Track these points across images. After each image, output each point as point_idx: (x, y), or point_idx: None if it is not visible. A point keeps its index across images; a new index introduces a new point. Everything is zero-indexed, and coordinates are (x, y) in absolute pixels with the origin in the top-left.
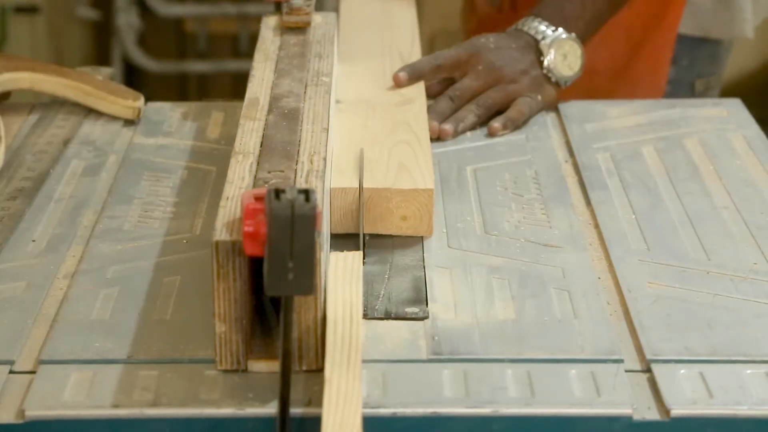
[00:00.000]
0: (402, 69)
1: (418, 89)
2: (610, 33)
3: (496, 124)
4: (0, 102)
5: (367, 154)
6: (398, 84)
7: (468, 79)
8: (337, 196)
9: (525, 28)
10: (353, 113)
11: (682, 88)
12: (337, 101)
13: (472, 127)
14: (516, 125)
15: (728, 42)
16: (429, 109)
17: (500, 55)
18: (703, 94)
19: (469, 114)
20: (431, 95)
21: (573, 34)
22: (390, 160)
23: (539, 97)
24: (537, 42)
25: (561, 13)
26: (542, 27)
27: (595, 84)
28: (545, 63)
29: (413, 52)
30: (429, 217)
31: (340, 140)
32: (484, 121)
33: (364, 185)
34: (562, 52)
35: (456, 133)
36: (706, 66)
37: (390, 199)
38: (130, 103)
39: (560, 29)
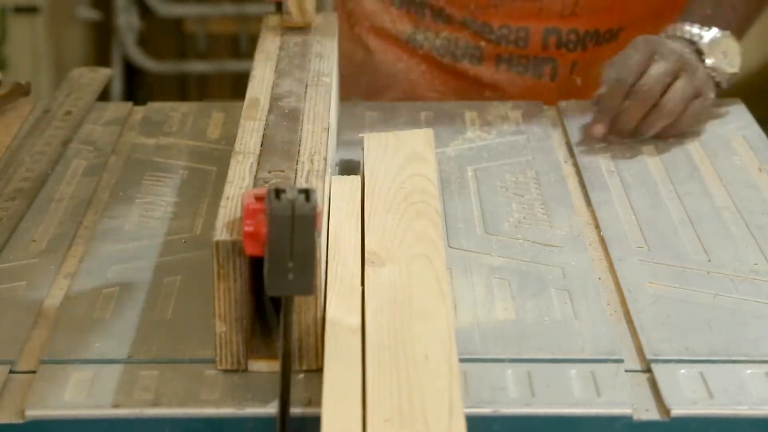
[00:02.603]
0: (596, 120)
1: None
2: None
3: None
4: (21, 96)
5: None
6: (599, 136)
7: (655, 68)
8: None
9: (678, 33)
10: None
11: None
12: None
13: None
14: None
15: None
16: (616, 119)
17: (675, 45)
18: None
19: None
20: None
21: (727, 32)
22: None
23: (711, 95)
24: (694, 43)
25: (711, 16)
26: (695, 29)
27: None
28: (707, 63)
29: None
30: None
31: None
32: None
33: None
34: (721, 50)
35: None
36: None
37: None
38: None
39: (714, 29)
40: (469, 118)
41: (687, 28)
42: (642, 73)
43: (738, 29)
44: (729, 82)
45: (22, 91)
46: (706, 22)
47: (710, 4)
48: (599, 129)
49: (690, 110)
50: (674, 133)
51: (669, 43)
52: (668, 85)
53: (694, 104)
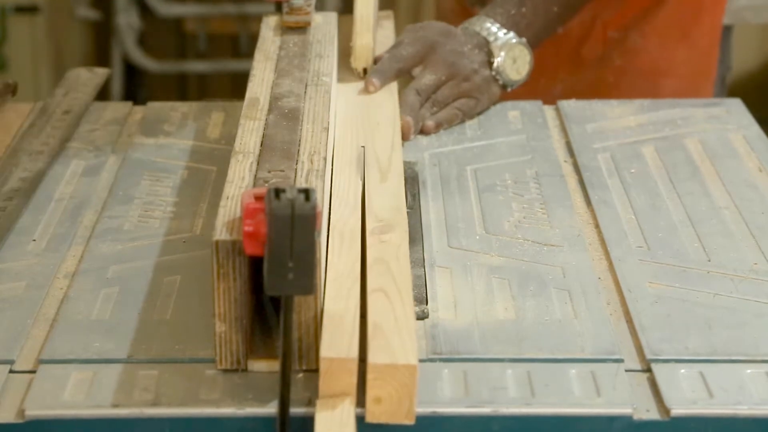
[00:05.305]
0: (372, 75)
1: (401, 214)
2: (667, 33)
3: (429, 122)
4: (7, 95)
5: (327, 313)
6: (372, 91)
7: (429, 73)
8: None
9: (477, 28)
10: None
11: (717, 83)
12: None
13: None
14: (450, 125)
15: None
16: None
17: (453, 51)
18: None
19: (426, 113)
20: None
21: (524, 39)
22: (357, 319)
23: (484, 98)
24: (488, 43)
25: (514, 16)
26: (494, 28)
27: (659, 86)
28: (495, 65)
29: (393, 158)
30: (410, 401)
31: None
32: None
33: (322, 354)
34: (511, 56)
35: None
36: (728, 58)
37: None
38: None
39: (512, 33)
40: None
41: (488, 25)
42: (411, 68)
43: (537, 33)
44: (513, 87)
45: (9, 90)
46: (509, 21)
47: (514, 4)
48: (374, 84)
49: (453, 105)
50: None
51: (449, 48)
52: (436, 88)
53: (459, 102)
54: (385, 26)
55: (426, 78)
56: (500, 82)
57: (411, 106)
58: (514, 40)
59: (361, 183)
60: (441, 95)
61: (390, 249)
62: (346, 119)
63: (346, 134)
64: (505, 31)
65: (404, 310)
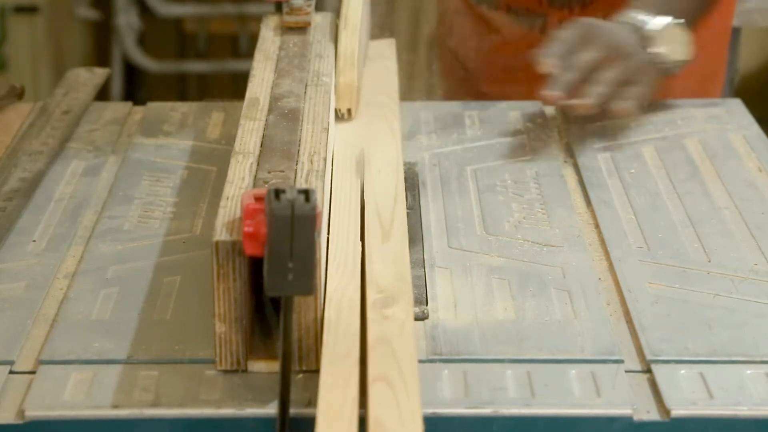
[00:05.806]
0: (550, 87)
1: (404, 283)
2: None
3: (619, 106)
4: (13, 98)
5: (322, 403)
6: (552, 103)
7: (587, 53)
8: None
9: (624, 19)
10: None
11: (726, 85)
12: None
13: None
14: (643, 108)
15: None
16: (552, 80)
17: (612, 32)
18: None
19: (592, 90)
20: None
21: (675, 20)
22: (356, 412)
23: (649, 81)
24: (640, 29)
25: (661, 5)
26: (640, 16)
27: (668, 87)
28: (652, 49)
29: (395, 213)
30: None
31: None
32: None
33: None
34: (666, 38)
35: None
36: (737, 60)
37: None
38: None
39: (660, 17)
40: (469, 118)
41: (633, 14)
42: (570, 51)
43: (689, 18)
44: (675, 70)
45: (15, 93)
46: (656, 11)
47: None
48: (552, 95)
49: (622, 95)
50: (612, 116)
51: (606, 30)
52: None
53: (628, 90)
54: (386, 55)
55: (584, 56)
56: (662, 66)
57: (567, 83)
58: (664, 22)
59: (360, 244)
60: (609, 76)
61: (393, 326)
62: (344, 163)
63: (344, 180)
64: (652, 16)
65: (409, 403)
